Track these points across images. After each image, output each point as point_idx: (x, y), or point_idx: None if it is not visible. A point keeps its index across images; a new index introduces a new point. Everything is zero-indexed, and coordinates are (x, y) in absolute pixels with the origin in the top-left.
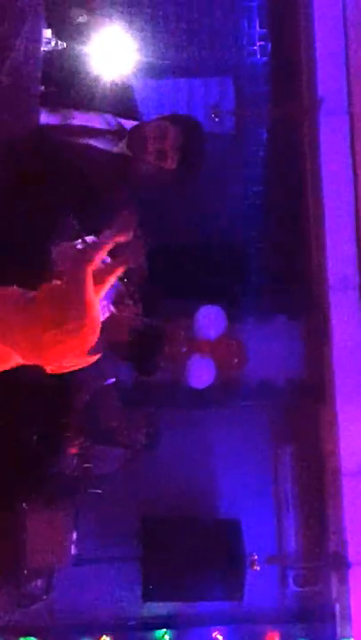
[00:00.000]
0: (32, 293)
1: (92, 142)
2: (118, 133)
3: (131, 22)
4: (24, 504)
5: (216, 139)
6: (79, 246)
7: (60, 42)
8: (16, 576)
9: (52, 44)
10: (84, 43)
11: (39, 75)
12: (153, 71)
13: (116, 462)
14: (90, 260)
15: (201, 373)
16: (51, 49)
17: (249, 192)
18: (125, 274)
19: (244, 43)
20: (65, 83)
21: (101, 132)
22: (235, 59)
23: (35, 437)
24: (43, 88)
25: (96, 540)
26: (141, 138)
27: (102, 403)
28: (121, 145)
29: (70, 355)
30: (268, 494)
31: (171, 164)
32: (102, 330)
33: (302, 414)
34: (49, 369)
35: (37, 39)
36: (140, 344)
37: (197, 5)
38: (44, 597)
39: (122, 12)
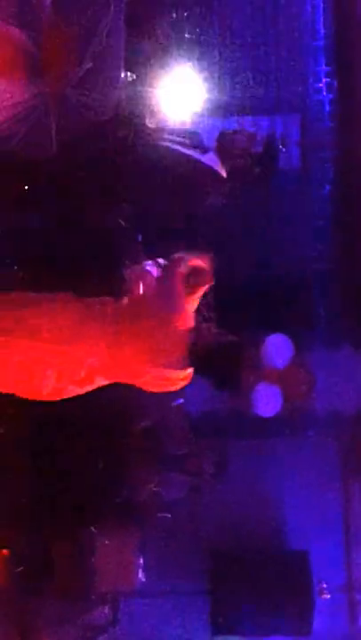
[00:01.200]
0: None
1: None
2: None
3: (198, 60)
4: (93, 528)
5: (283, 174)
6: (149, 268)
7: (129, 73)
8: (82, 603)
9: (122, 75)
10: (152, 77)
11: (121, 61)
12: (218, 110)
13: (184, 489)
14: (178, 274)
15: (268, 401)
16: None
17: (316, 225)
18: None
19: (311, 80)
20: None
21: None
22: (301, 96)
23: (100, 463)
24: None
25: (162, 571)
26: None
27: (170, 425)
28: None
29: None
30: (337, 525)
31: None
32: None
33: None
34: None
35: (119, 28)
36: (222, 356)
37: (263, 44)
38: (110, 629)
39: (189, 50)
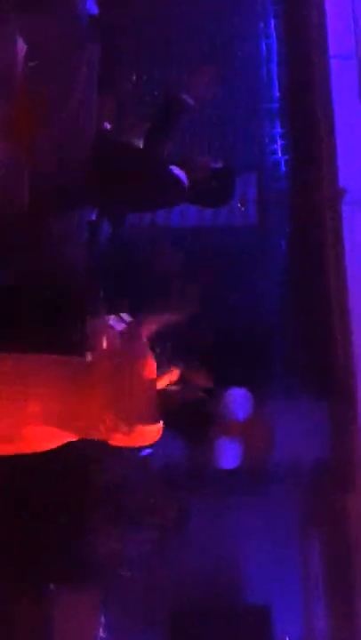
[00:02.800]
0: (81, 362)
1: None
2: None
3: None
4: (51, 585)
5: (240, 230)
6: (112, 322)
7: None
8: None
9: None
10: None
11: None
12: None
13: (144, 545)
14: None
15: (229, 454)
16: None
17: (273, 278)
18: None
19: (266, 142)
20: None
21: None
22: (257, 157)
23: (58, 516)
24: None
25: (122, 628)
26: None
27: (135, 477)
28: None
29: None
30: (297, 579)
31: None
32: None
33: (330, 500)
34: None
35: (92, 90)
36: (193, 412)
37: (220, 106)
38: None
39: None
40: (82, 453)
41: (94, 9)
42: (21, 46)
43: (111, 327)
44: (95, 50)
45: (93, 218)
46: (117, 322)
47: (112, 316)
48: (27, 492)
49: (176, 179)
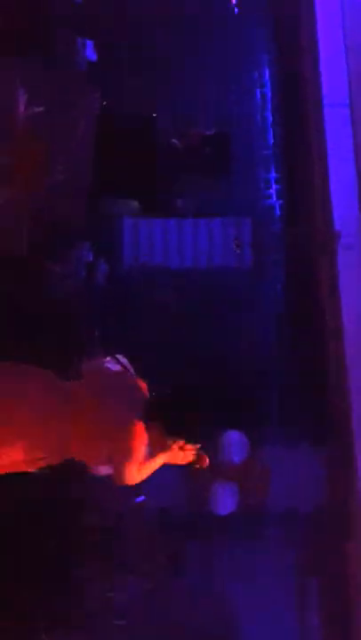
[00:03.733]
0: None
1: None
2: None
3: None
4: (43, 635)
5: (235, 273)
6: (109, 364)
7: None
8: None
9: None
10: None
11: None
12: (175, 213)
13: (137, 592)
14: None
15: (224, 499)
16: None
17: (269, 322)
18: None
19: (261, 186)
20: None
21: None
22: (252, 202)
23: (49, 563)
24: None
25: None
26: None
27: (129, 523)
28: None
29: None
30: (293, 626)
31: None
32: None
33: (328, 546)
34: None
35: (89, 140)
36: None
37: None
38: None
39: None
40: (76, 498)
41: (93, 56)
42: (22, 93)
43: (107, 368)
44: (96, 97)
45: (91, 259)
46: (113, 362)
47: (108, 358)
48: (17, 537)
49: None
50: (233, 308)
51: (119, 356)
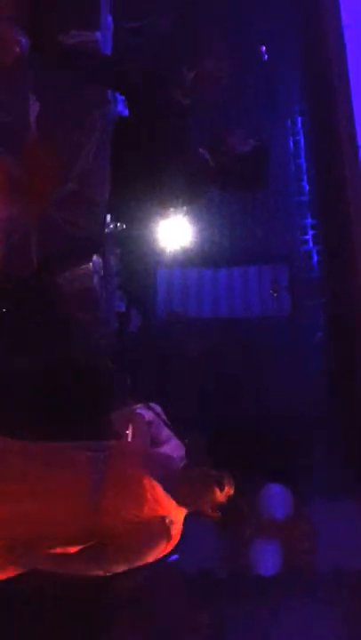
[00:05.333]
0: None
1: None
2: None
3: (191, 213)
4: None
5: (273, 321)
6: (140, 411)
7: (119, 224)
8: None
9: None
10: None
11: (106, 185)
12: (209, 262)
13: None
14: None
15: (267, 559)
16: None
17: (311, 370)
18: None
19: (297, 233)
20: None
21: None
22: (289, 248)
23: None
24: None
25: None
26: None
27: (161, 586)
28: None
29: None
30: None
31: None
32: None
33: None
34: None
35: (105, 152)
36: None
37: (252, 201)
38: None
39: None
40: None
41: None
42: (34, 105)
43: (140, 415)
44: (109, 111)
45: (123, 309)
46: (145, 410)
47: (140, 405)
48: (45, 599)
49: (204, 161)
50: (272, 357)
51: (152, 405)
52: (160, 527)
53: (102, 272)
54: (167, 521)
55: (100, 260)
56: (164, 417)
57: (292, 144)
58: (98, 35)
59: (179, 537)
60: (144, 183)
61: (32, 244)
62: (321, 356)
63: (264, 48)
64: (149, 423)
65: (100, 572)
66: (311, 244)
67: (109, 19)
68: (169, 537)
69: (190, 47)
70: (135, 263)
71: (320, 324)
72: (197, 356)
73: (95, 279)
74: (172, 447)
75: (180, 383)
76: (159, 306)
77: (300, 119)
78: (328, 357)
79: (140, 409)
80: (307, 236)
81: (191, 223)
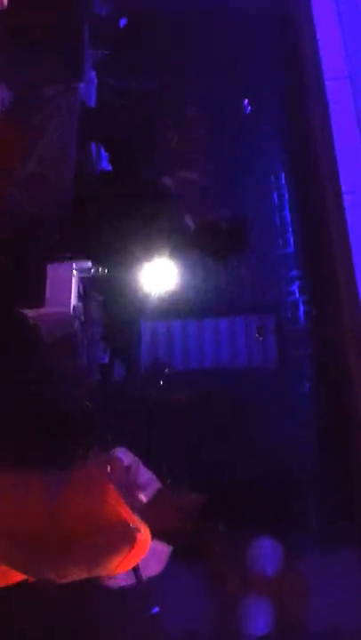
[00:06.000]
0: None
1: None
2: None
3: (175, 267)
4: None
5: (260, 372)
6: (119, 454)
7: (100, 268)
8: None
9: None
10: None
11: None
12: (194, 313)
13: None
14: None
15: (258, 617)
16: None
17: (298, 422)
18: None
19: (283, 283)
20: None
21: None
22: (274, 298)
23: None
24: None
25: None
26: None
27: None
28: None
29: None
30: None
31: None
32: None
33: None
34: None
35: (69, 136)
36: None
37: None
38: None
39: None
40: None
41: (108, 166)
42: (2, 91)
43: (117, 459)
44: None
45: (106, 361)
46: (125, 454)
47: (119, 449)
48: None
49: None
50: (261, 408)
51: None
52: (122, 529)
53: (83, 317)
54: (131, 525)
55: (81, 305)
56: (138, 461)
57: (276, 198)
58: (81, 86)
59: (146, 548)
60: (128, 231)
61: None
62: (310, 406)
63: (247, 101)
64: (128, 467)
65: (53, 575)
66: (298, 295)
67: (93, 73)
68: (133, 540)
69: (175, 108)
70: (118, 313)
71: (308, 375)
72: (183, 406)
73: (76, 324)
74: (152, 492)
75: (165, 432)
76: (143, 357)
77: (283, 174)
78: (317, 408)
79: (119, 452)
80: (293, 287)
81: (176, 272)
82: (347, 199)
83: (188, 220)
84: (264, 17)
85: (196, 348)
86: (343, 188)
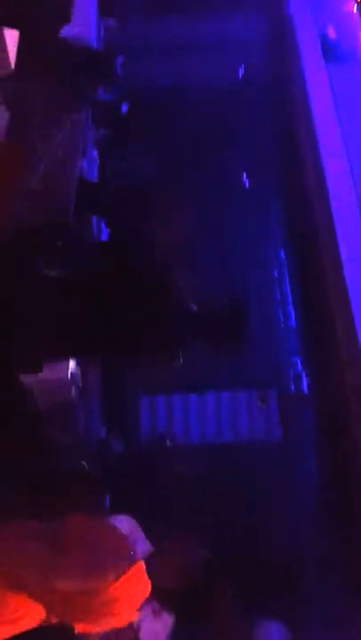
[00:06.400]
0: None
1: None
2: None
3: (170, 342)
4: None
5: (263, 446)
6: (117, 522)
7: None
8: None
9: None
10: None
11: (73, 187)
12: (195, 387)
13: None
14: None
15: None
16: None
17: (302, 496)
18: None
19: (285, 356)
20: None
21: None
22: (276, 371)
23: None
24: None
25: None
26: None
27: None
28: None
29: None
30: None
31: None
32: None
33: None
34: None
35: (75, 150)
36: (198, 590)
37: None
38: None
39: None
40: None
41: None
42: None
43: (115, 528)
44: (82, 109)
45: (103, 435)
46: (123, 521)
47: (117, 516)
48: None
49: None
50: (263, 484)
51: (128, 518)
52: (123, 546)
53: (81, 384)
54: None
55: (79, 372)
56: (138, 530)
57: (276, 273)
58: (84, 163)
59: (144, 575)
60: (126, 311)
61: None
62: (315, 482)
63: (245, 175)
64: (126, 535)
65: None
66: (300, 367)
67: (94, 152)
68: (133, 559)
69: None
70: (117, 388)
71: (312, 448)
72: (185, 478)
73: (73, 391)
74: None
75: (166, 502)
76: (143, 432)
77: (282, 248)
78: (322, 483)
79: (117, 519)
80: (295, 359)
81: (176, 346)
82: (347, 267)
83: (192, 306)
84: (262, 94)
85: (197, 423)
86: (343, 256)
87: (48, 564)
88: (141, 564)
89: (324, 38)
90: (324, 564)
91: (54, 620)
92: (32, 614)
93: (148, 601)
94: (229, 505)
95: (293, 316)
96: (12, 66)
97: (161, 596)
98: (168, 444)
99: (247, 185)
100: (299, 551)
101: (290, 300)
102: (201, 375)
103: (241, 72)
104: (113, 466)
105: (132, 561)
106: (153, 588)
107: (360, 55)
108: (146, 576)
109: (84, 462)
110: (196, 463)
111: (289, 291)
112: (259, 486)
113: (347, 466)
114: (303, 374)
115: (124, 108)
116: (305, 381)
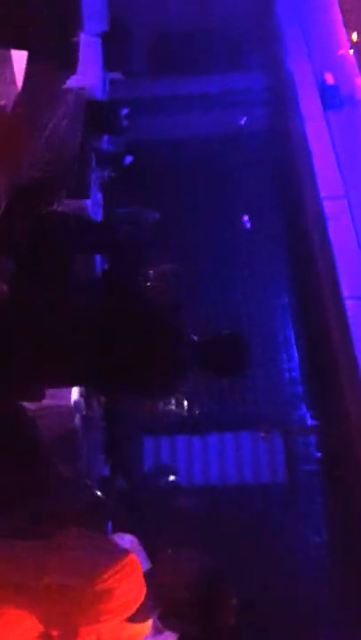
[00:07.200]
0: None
1: None
2: None
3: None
4: None
5: (268, 488)
6: (118, 539)
7: None
8: None
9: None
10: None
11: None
12: (198, 429)
13: None
14: None
15: None
16: None
17: (309, 540)
18: None
19: (289, 398)
20: None
21: None
22: (281, 413)
23: None
24: None
25: None
26: None
27: None
28: None
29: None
30: None
31: None
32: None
33: None
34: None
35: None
36: (207, 598)
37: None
38: None
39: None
40: None
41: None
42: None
43: (116, 545)
44: (82, 93)
45: (107, 473)
46: (124, 539)
47: (118, 533)
48: None
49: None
50: (268, 526)
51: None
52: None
53: (85, 412)
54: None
55: (83, 401)
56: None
57: (280, 318)
58: (88, 202)
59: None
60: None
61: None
62: (321, 524)
63: (246, 217)
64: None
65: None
66: (304, 409)
67: (99, 195)
68: (132, 563)
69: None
70: (120, 429)
71: (318, 490)
72: (188, 524)
73: (77, 419)
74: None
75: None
76: (146, 472)
77: (285, 290)
78: (329, 526)
79: (117, 537)
80: (299, 401)
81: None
82: (349, 305)
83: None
84: (260, 137)
85: (201, 465)
86: (345, 294)
87: (41, 560)
88: (134, 557)
89: (322, 85)
90: (332, 605)
91: (54, 634)
92: (30, 629)
93: (151, 617)
94: (234, 549)
95: (296, 357)
96: None
97: (165, 608)
98: (172, 478)
99: (248, 226)
100: (304, 594)
101: (293, 344)
102: (204, 416)
103: (243, 123)
104: (116, 503)
105: (125, 554)
106: (156, 599)
107: (358, 98)
108: (141, 572)
109: (88, 480)
110: (200, 500)
111: (292, 332)
112: (265, 527)
113: (354, 506)
114: (308, 415)
115: (128, 160)
116: (310, 422)
